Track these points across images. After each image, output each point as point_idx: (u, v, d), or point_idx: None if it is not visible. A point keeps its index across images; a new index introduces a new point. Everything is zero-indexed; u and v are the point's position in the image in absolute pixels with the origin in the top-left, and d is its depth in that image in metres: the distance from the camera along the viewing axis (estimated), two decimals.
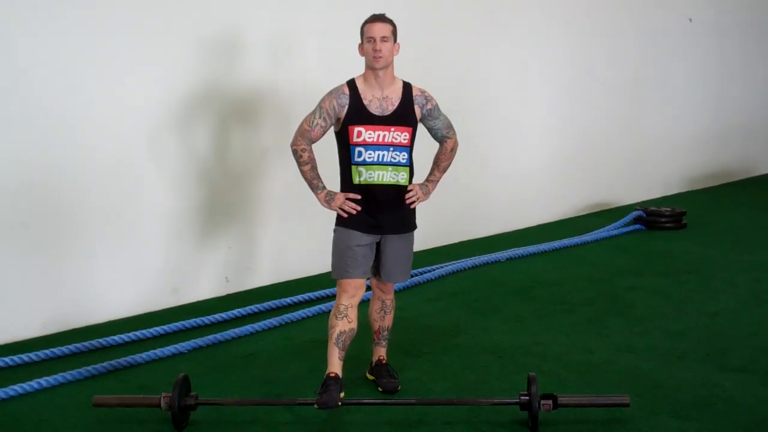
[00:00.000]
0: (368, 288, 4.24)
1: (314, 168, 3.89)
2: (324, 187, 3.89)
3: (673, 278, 6.18)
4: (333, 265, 3.92)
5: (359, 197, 3.85)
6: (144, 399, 3.67)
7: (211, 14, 5.45)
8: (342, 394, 3.72)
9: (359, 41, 3.86)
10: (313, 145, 3.90)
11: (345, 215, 3.84)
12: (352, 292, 3.86)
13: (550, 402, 3.57)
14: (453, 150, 4.08)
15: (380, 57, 3.78)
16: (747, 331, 4.94)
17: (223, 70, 5.52)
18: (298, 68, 5.91)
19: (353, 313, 3.88)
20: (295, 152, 3.89)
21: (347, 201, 3.84)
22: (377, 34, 3.78)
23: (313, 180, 3.89)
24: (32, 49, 4.65)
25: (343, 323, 3.83)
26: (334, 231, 3.94)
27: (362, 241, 3.86)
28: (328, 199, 3.86)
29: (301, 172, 3.90)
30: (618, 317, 5.22)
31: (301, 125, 3.89)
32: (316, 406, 3.61)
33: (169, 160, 5.31)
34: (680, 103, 10.24)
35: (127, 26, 5.04)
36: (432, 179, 4.07)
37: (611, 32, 8.97)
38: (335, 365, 3.80)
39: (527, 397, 3.58)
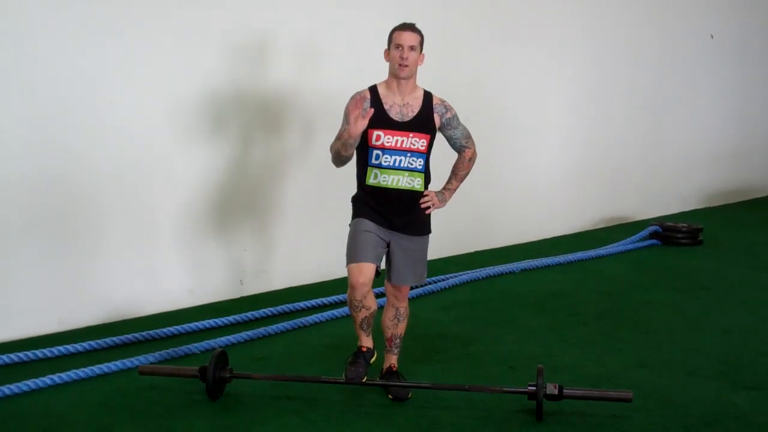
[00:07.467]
0: (383, 294, 4.26)
1: None
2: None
3: (687, 294, 6.16)
4: (346, 253, 3.94)
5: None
6: (183, 369, 3.98)
7: (238, 19, 5.48)
8: (374, 358, 4.03)
9: (386, 47, 3.90)
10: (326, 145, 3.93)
11: (356, 115, 3.73)
12: (360, 279, 3.81)
13: (556, 386, 3.79)
14: (471, 160, 4.11)
15: (406, 66, 3.82)
16: (761, 349, 4.91)
17: (247, 74, 5.56)
18: (322, 74, 5.93)
19: (369, 300, 3.92)
20: (332, 154, 3.92)
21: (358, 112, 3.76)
22: (406, 42, 3.81)
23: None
24: (55, 48, 4.71)
25: (363, 312, 3.93)
26: (349, 225, 3.99)
27: (374, 229, 3.90)
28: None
29: (337, 146, 3.85)
30: (631, 331, 5.21)
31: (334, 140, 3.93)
32: (344, 376, 3.89)
33: (189, 162, 5.35)
34: (700, 119, 10.20)
35: (154, 29, 5.09)
36: (449, 187, 4.10)
37: (632, 47, 8.96)
38: (366, 340, 4.01)
39: (534, 387, 3.78)
